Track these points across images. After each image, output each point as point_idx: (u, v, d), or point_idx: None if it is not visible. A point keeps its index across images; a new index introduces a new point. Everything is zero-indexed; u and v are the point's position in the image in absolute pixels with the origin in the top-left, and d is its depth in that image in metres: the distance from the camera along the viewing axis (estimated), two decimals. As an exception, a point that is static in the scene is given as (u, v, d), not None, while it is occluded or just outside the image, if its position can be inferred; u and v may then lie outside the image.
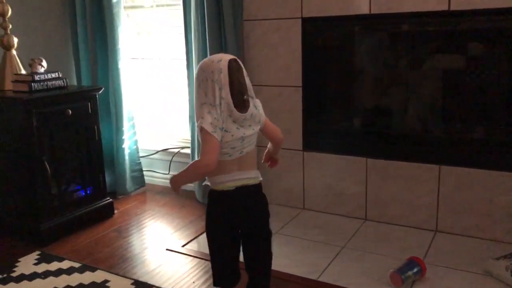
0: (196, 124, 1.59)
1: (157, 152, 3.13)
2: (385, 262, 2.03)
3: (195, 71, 2.56)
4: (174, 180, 1.59)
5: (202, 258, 2.12)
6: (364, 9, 2.28)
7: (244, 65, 1.69)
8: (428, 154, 2.30)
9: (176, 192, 1.61)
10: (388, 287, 1.85)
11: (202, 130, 1.44)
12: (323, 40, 2.50)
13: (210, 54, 2.48)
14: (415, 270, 1.84)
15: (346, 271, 1.98)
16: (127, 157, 2.96)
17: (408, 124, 2.41)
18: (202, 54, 2.56)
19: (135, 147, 3.01)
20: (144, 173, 3.09)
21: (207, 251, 2.14)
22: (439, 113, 2.37)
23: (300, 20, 2.43)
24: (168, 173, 3.10)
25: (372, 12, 2.27)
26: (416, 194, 2.33)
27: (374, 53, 2.44)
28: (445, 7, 2.12)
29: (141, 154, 3.07)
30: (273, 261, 2.04)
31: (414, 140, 2.36)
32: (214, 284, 1.71)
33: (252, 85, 1.71)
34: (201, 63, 1.52)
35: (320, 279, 1.92)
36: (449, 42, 2.26)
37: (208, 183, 1.71)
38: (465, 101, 2.27)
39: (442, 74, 2.30)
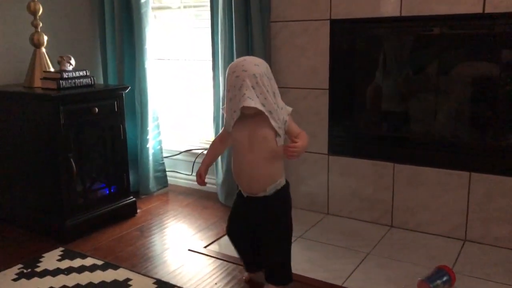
0: (274, 111, 1.66)
1: (181, 152, 3.13)
2: (412, 270, 1.97)
3: (221, 72, 2.58)
4: (305, 147, 1.69)
5: (224, 260, 2.09)
6: (394, 11, 2.24)
7: (270, 67, 1.73)
8: (458, 160, 2.23)
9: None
10: (416, 296, 1.80)
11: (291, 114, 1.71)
12: (351, 43, 2.46)
13: (237, 56, 2.48)
14: (444, 279, 1.78)
15: (371, 278, 1.93)
16: (151, 157, 2.96)
17: (438, 129, 2.34)
18: (229, 55, 2.55)
19: (159, 147, 3.01)
20: (167, 173, 3.09)
21: (229, 252, 2.15)
22: (470, 119, 2.30)
23: (328, 22, 2.40)
24: (191, 174, 3.09)
25: (403, 14, 2.22)
26: (445, 201, 2.27)
27: (404, 57, 2.39)
28: (479, 10, 2.06)
29: (164, 154, 3.07)
30: (296, 265, 2.02)
31: (443, 145, 2.30)
32: (291, 280, 1.83)
33: (278, 87, 1.74)
34: (260, 64, 1.65)
35: (345, 285, 1.88)
36: (482, 46, 2.19)
37: (276, 182, 1.74)
38: (497, 107, 2.19)
39: (474, 79, 2.24)
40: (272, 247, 1.78)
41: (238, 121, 1.67)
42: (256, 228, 1.79)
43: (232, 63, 1.69)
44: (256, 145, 1.67)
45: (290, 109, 1.72)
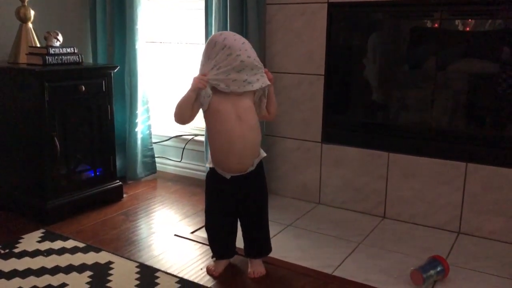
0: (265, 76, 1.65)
1: (170, 138, 3.04)
2: (404, 261, 1.91)
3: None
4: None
5: (211, 246, 2.02)
6: (394, -5, 2.18)
7: (264, 51, 1.67)
8: (455, 150, 2.18)
9: None
10: (408, 286, 1.73)
11: None
12: (349, 27, 2.39)
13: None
14: (438, 269, 1.72)
15: (363, 267, 1.87)
16: (139, 142, 2.88)
17: (434, 118, 2.28)
18: (222, 38, 2.47)
19: (148, 132, 2.92)
20: (156, 159, 3.00)
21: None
22: (467, 108, 2.24)
23: (326, 5, 2.33)
24: (180, 161, 3.01)
25: (403, -2, 2.17)
26: (440, 192, 2.21)
27: (403, 43, 2.33)
28: (481, -5, 2.00)
29: (153, 139, 2.98)
30: (285, 253, 1.96)
31: (440, 135, 2.24)
32: (271, 250, 1.87)
33: (272, 72, 1.67)
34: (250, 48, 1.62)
35: (335, 274, 1.81)
36: (484, 33, 2.13)
37: (260, 154, 1.76)
38: (496, 97, 2.14)
39: (473, 68, 2.18)
40: (260, 220, 1.80)
41: (217, 91, 1.65)
42: (239, 207, 1.78)
43: (231, 38, 1.61)
44: (243, 116, 1.65)
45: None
